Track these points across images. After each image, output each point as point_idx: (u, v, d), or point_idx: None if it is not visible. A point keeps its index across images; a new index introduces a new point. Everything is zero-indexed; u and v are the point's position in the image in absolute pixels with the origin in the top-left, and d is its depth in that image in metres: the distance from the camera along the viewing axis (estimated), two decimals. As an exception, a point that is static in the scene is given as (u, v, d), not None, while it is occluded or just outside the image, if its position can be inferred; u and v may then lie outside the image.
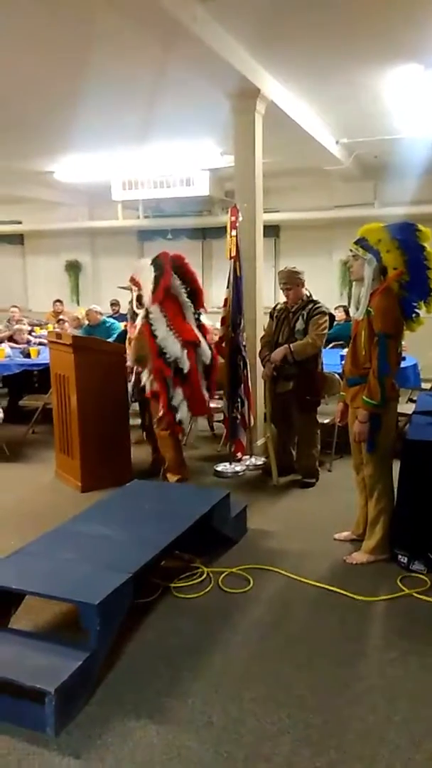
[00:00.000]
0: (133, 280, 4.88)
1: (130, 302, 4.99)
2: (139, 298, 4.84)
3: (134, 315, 4.89)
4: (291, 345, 4.80)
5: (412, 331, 3.65)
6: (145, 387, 4.68)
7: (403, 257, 3.48)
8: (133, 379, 4.97)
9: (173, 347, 4.52)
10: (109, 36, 4.54)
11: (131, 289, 5.02)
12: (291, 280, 4.92)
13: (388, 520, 3.66)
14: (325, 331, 4.88)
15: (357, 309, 3.60)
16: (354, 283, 3.70)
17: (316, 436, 5.08)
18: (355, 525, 3.98)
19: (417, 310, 3.59)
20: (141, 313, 4.70)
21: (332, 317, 4.95)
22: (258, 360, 5.33)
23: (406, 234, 3.51)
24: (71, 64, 5.16)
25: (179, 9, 3.89)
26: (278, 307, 5.08)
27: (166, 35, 4.28)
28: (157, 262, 4.70)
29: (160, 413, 4.62)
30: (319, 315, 4.84)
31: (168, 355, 4.51)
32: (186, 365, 4.56)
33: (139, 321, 4.70)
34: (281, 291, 5.03)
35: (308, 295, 4.99)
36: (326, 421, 5.18)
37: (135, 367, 4.82)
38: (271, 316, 5.11)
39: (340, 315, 8.21)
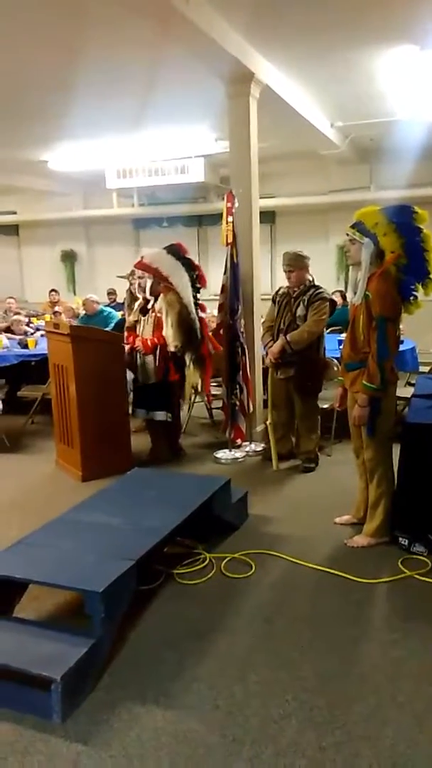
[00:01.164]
0: (147, 267, 4.90)
1: (144, 290, 5.13)
2: (154, 286, 4.92)
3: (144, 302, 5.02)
4: (288, 336, 4.78)
5: (410, 314, 3.64)
6: (169, 371, 5.00)
7: (400, 240, 3.46)
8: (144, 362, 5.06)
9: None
10: (102, 21, 4.49)
11: (139, 277, 5.08)
12: (294, 263, 4.86)
13: (388, 503, 3.68)
14: (325, 317, 4.82)
15: (355, 293, 3.59)
16: (351, 267, 3.69)
17: (317, 421, 5.08)
18: (355, 509, 3.99)
19: (415, 293, 3.58)
20: (162, 299, 4.89)
21: (333, 303, 4.92)
22: (257, 347, 5.32)
23: (402, 217, 3.50)
24: (63, 51, 5.11)
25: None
26: (281, 291, 5.04)
27: (158, 19, 4.24)
28: (176, 251, 4.96)
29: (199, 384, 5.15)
30: (319, 301, 4.79)
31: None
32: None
33: (162, 305, 4.86)
34: (284, 273, 4.98)
35: (311, 279, 4.94)
36: (325, 406, 5.18)
37: (143, 354, 5.03)
38: (274, 301, 5.07)
39: (337, 300, 8.19)
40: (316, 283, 4.96)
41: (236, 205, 5.21)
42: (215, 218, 8.29)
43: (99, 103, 6.62)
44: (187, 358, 4.99)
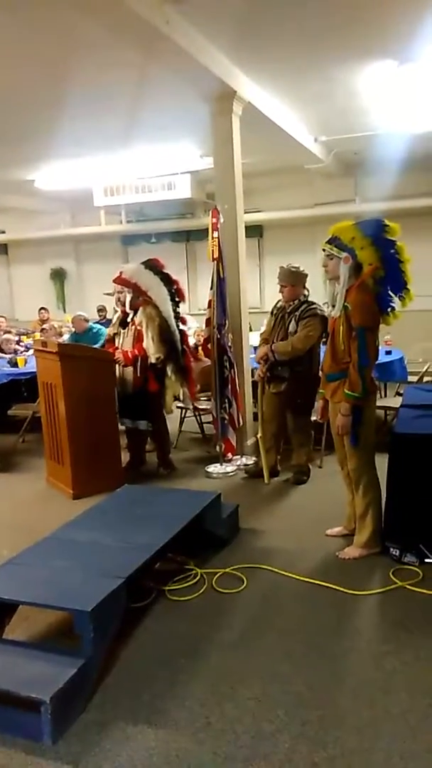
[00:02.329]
0: (126, 282, 4.96)
1: (123, 304, 5.20)
2: (133, 300, 4.97)
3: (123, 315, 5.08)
4: (272, 345, 4.80)
5: (388, 325, 3.69)
6: (148, 381, 5.06)
7: (377, 253, 3.52)
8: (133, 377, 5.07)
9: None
10: (85, 42, 4.53)
11: (119, 292, 5.11)
12: (286, 279, 4.85)
13: (376, 513, 3.69)
14: (313, 333, 4.75)
15: (334, 306, 3.63)
16: (329, 281, 3.74)
17: (309, 436, 5.09)
18: (346, 520, 3.99)
19: (392, 304, 3.63)
20: (142, 312, 4.96)
21: (325, 320, 4.91)
22: (245, 361, 5.32)
23: (376, 231, 3.56)
24: (49, 71, 5.14)
25: (151, 13, 3.90)
26: (278, 305, 5.04)
27: (140, 40, 4.28)
28: (153, 266, 5.05)
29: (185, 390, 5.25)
30: (309, 318, 4.76)
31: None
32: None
33: (142, 319, 4.95)
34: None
35: (306, 295, 4.94)
36: (313, 418, 5.19)
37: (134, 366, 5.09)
38: (272, 314, 5.08)
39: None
40: (311, 298, 4.94)
41: (221, 220, 5.24)
42: (203, 233, 8.34)
43: (85, 123, 6.66)
44: (168, 369, 5.06)
